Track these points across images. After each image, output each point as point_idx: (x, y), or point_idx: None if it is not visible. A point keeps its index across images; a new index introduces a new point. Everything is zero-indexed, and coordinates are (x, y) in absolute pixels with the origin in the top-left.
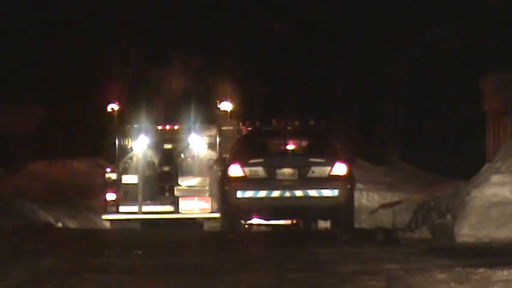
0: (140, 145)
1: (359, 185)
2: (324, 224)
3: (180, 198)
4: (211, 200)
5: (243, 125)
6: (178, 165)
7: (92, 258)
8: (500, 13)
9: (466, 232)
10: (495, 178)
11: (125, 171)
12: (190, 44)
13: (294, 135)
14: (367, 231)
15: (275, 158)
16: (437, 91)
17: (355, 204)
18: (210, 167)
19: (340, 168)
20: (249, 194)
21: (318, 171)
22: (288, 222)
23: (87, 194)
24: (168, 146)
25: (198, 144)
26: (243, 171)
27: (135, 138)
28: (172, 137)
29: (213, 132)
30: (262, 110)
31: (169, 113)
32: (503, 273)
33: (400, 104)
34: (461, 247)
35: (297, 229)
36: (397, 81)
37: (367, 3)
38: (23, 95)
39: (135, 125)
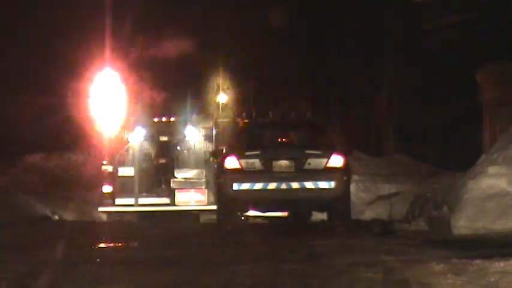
0: (136, 137)
1: (356, 177)
2: (320, 216)
3: (176, 191)
4: (208, 192)
5: (239, 117)
6: (175, 158)
7: (89, 250)
8: (497, 4)
9: (463, 224)
10: (492, 170)
11: (121, 163)
12: (187, 36)
13: (291, 127)
14: (363, 223)
15: (271, 150)
16: (434, 83)
17: (352, 196)
18: (206, 159)
19: (336, 160)
20: (245, 186)
21: (314, 163)
22: (285, 214)
23: (84, 187)
24: (164, 138)
25: (194, 136)
26: (239, 164)
27: (132, 130)
28: (168, 129)
29: (209, 124)
30: (258, 101)
31: (165, 105)
32: (500, 265)
33: (397, 96)
34: (457, 239)
35: (293, 221)
36: (393, 73)
37: None
38: (20, 86)
39: (132, 117)
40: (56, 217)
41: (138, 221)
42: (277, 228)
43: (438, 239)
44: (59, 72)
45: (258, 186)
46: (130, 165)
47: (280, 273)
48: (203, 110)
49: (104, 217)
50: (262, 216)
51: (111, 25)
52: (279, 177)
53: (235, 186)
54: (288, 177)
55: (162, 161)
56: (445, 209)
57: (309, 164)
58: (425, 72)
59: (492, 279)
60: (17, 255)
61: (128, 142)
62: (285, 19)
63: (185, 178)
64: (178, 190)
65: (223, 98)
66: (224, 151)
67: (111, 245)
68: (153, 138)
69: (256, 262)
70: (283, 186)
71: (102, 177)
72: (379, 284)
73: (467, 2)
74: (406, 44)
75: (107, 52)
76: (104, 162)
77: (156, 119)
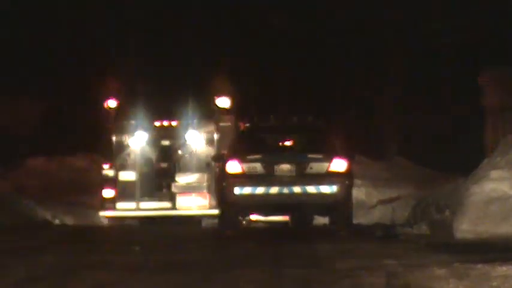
0: (137, 141)
1: (357, 181)
2: (322, 220)
3: (177, 195)
4: (209, 197)
5: (240, 121)
6: (176, 162)
7: (90, 255)
8: (499, 8)
9: (465, 228)
10: (494, 173)
11: (122, 167)
12: (188, 39)
13: (292, 131)
14: (365, 227)
15: (273, 154)
16: (436, 86)
17: (354, 200)
18: (208, 164)
19: (338, 165)
20: (247, 190)
21: (316, 167)
22: (286, 218)
23: (85, 191)
24: (166, 143)
25: (196, 140)
26: (241, 168)
27: (133, 134)
28: (169, 133)
29: (211, 128)
30: (260, 105)
31: (166, 109)
32: (503, 269)
33: (399, 99)
34: (460, 243)
35: (295, 225)
36: (395, 76)
37: None
38: (20, 91)
39: (133, 121)
40: (57, 221)
41: (139, 225)
42: (279, 232)
43: (440, 243)
44: (60, 75)
45: (260, 190)
46: (132, 170)
47: (282, 277)
48: (204, 114)
49: (105, 222)
50: (264, 220)
51: (113, 26)
52: (281, 181)
53: (237, 191)
54: (289, 181)
55: (164, 165)
56: (448, 213)
57: (311, 168)
58: (427, 75)
59: (494, 284)
60: (18, 259)
61: (129, 146)
62: (285, 22)
63: (186, 182)
64: (180, 194)
65: (224, 102)
66: (226, 155)
67: (113, 249)
68: (154, 142)
69: (258, 267)
70: (285, 190)
71: (103, 182)
72: None
73: (470, 5)
74: (408, 47)
75: (109, 54)
76: (105, 166)
77: (157, 123)
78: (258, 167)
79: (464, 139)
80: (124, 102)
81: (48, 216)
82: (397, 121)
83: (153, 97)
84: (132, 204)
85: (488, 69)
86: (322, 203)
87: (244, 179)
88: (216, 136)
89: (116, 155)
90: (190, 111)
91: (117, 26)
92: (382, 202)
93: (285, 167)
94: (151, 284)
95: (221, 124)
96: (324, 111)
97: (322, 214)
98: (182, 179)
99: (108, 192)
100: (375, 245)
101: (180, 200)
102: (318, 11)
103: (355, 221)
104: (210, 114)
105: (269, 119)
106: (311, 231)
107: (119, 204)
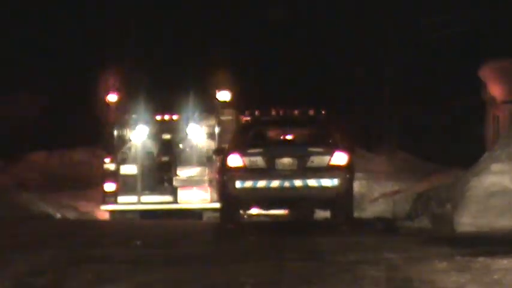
0: (139, 135)
1: (358, 175)
2: (323, 214)
3: (178, 189)
4: (210, 190)
5: (242, 114)
6: (177, 155)
7: (91, 249)
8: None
9: (466, 221)
10: (495, 167)
11: (124, 161)
12: (188, 33)
13: (293, 125)
14: (366, 220)
15: (274, 148)
16: (437, 80)
17: (355, 193)
18: (209, 157)
19: (339, 158)
20: (248, 184)
21: (317, 160)
22: (287, 212)
23: (86, 185)
24: (167, 136)
25: (197, 134)
26: (242, 161)
27: (134, 128)
28: (171, 127)
29: (212, 122)
30: (261, 99)
31: (168, 103)
32: (503, 262)
33: (399, 93)
34: (461, 236)
35: (296, 219)
36: (396, 70)
37: None
38: (21, 85)
39: (134, 115)
40: (59, 215)
41: (141, 219)
42: (279, 226)
43: (441, 237)
44: (61, 70)
45: (261, 184)
46: (133, 163)
47: (283, 271)
48: (205, 107)
49: (107, 215)
50: (265, 214)
51: (112, 22)
52: (282, 175)
53: (238, 184)
54: (290, 175)
55: (165, 159)
56: (448, 206)
57: (312, 161)
58: (427, 69)
59: (495, 277)
60: (19, 253)
61: (131, 140)
62: (285, 15)
63: (188, 176)
64: (181, 188)
65: (225, 95)
66: (227, 149)
67: (114, 243)
68: (155, 136)
69: (259, 260)
70: (286, 184)
71: (104, 176)
72: (382, 282)
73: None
74: (408, 41)
75: (109, 50)
76: (107, 160)
77: (158, 117)
78: (259, 160)
79: (465, 132)
80: (125, 96)
81: (49, 210)
82: (397, 115)
83: (154, 91)
84: (133, 198)
85: (489, 62)
86: (323, 197)
87: (245, 172)
88: (217, 130)
89: (117, 148)
90: (191, 105)
91: (118, 19)
92: (383, 196)
93: (286, 160)
94: (152, 278)
95: (222, 118)
96: (325, 105)
97: (323, 208)
98: (183, 173)
99: (109, 186)
100: (376, 239)
101: (181, 193)
102: (317, 7)
103: (356, 215)
104: (211, 107)
105: (270, 113)
106: (312, 224)
107: (120, 198)
